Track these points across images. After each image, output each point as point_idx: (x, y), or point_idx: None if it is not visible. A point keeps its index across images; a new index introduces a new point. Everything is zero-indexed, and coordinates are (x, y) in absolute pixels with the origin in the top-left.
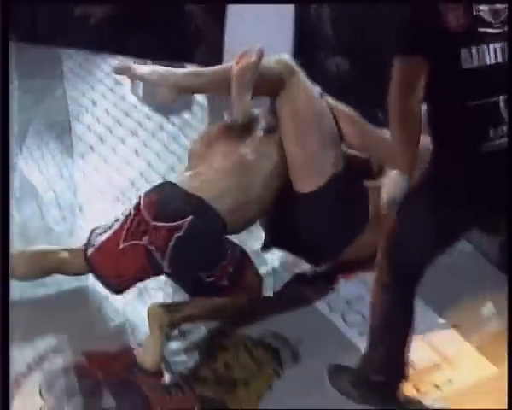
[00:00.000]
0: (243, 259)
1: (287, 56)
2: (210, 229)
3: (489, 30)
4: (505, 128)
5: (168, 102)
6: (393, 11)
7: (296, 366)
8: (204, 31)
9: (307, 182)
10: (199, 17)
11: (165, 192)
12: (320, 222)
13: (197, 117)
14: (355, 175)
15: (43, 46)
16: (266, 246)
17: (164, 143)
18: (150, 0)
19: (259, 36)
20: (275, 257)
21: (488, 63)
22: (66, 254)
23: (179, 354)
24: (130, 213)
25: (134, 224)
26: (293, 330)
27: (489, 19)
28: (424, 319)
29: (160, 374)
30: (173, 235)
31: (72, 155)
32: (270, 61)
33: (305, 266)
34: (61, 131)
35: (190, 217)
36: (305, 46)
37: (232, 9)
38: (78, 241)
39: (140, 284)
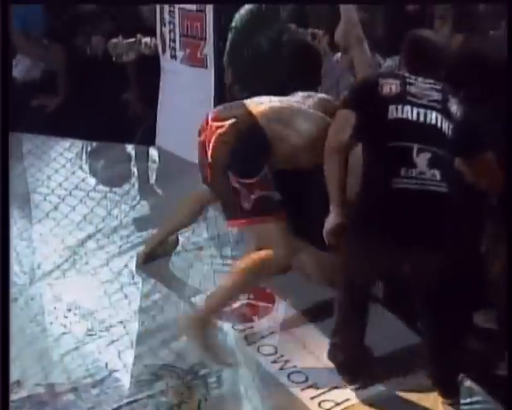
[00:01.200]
0: (273, 204)
1: None
2: (248, 135)
3: (415, 100)
4: (414, 172)
5: None
6: None
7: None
8: (140, 115)
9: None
10: (134, 104)
11: (230, 104)
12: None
13: (135, 187)
14: None
15: None
16: None
17: (108, 210)
18: (93, 91)
19: (185, 119)
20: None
21: (409, 118)
22: None
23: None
24: (205, 121)
25: (203, 124)
26: None
27: (418, 93)
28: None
29: None
30: (217, 131)
31: (30, 220)
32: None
33: None
34: (22, 202)
35: (233, 119)
36: None
37: (163, 97)
38: (37, 291)
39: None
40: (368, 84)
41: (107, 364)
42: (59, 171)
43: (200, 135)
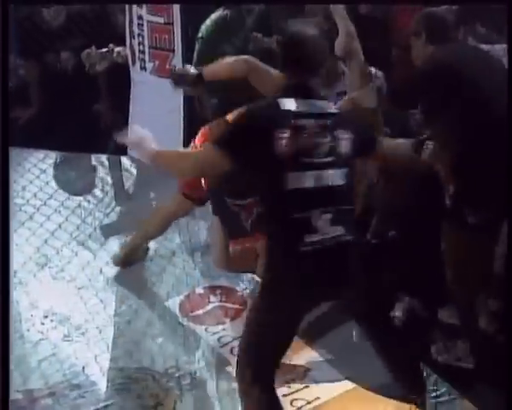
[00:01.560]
0: None
1: None
2: None
3: (308, 160)
4: (317, 236)
5: None
6: None
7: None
8: (111, 126)
9: None
10: (106, 115)
11: (215, 127)
12: None
13: (108, 195)
14: None
15: None
16: None
17: (82, 218)
18: (65, 103)
19: (156, 129)
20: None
21: (307, 187)
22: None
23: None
24: (193, 140)
25: (192, 148)
26: (191, 361)
27: (308, 146)
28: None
29: None
30: None
31: None
32: None
33: None
34: None
35: None
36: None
37: (134, 108)
38: (14, 298)
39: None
40: (257, 135)
41: (83, 368)
42: (33, 182)
43: None
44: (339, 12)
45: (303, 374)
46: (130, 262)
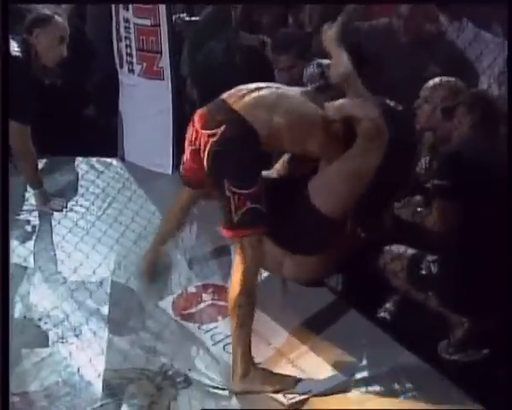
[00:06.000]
0: (258, 217)
1: None
2: (241, 138)
3: None
4: None
5: None
6: None
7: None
8: (102, 129)
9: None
10: (96, 119)
11: (213, 107)
12: None
13: (99, 198)
14: None
15: None
16: None
17: (74, 221)
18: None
19: (146, 130)
20: None
21: None
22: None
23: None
24: (191, 125)
25: (192, 132)
26: (184, 360)
27: None
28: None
29: None
30: (210, 140)
31: None
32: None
33: None
34: None
35: (224, 126)
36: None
37: (123, 110)
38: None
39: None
40: None
41: (79, 369)
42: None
43: (191, 144)
44: (332, 43)
45: (294, 384)
46: (157, 270)
